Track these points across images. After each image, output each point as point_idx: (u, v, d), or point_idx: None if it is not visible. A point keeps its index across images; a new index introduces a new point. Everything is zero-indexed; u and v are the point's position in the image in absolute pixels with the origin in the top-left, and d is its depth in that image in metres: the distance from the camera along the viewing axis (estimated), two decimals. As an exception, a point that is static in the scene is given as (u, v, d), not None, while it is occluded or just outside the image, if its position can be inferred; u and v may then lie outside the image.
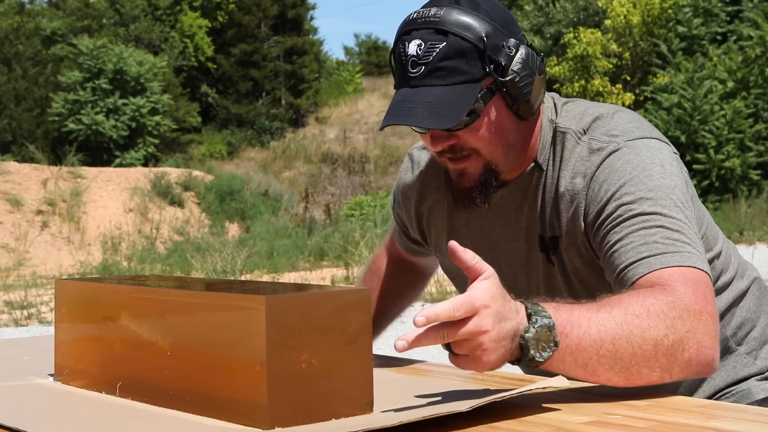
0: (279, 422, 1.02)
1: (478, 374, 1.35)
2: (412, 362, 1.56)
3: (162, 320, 1.17)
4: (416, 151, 1.74)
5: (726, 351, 1.60)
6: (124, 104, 27.26)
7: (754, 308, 1.64)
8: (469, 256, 1.15)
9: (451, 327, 1.10)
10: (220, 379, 1.08)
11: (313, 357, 1.05)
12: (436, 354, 6.90)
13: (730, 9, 24.19)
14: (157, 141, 28.07)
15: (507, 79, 1.43)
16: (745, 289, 1.63)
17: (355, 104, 35.48)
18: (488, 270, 1.15)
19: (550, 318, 1.17)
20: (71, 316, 1.34)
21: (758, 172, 21.03)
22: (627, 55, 24.23)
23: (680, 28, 23.15)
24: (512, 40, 1.43)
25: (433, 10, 1.42)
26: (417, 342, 1.08)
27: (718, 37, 23.88)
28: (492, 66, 1.41)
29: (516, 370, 1.40)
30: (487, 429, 1.07)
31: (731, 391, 1.60)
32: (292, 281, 11.14)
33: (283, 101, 33.96)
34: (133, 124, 27.32)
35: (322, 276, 12.10)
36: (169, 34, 32.33)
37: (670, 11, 23.60)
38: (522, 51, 1.44)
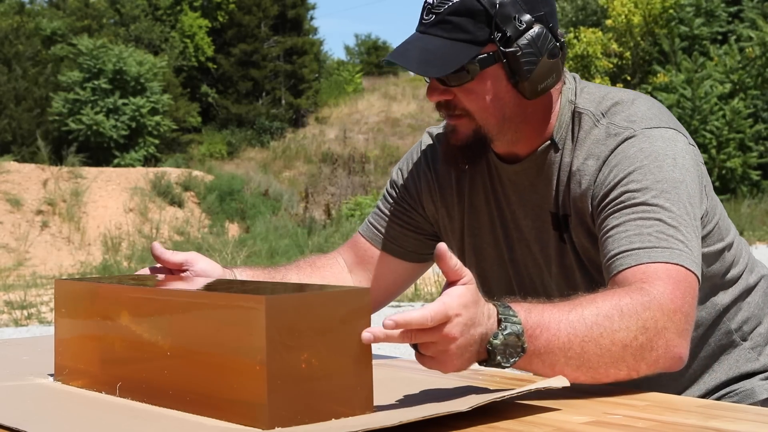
0: (279, 422, 1.02)
1: (478, 374, 1.35)
2: (412, 362, 1.56)
3: (162, 320, 1.17)
4: (435, 129, 1.74)
5: (730, 345, 1.61)
6: (124, 104, 27.25)
7: (762, 305, 1.65)
8: (452, 262, 1.15)
9: (420, 331, 1.11)
10: (220, 379, 1.08)
11: (313, 357, 1.05)
12: (436, 354, 6.82)
13: (731, 9, 24.19)
14: (157, 141, 28.07)
15: (509, 50, 1.44)
16: (754, 285, 1.64)
17: (355, 104, 35.48)
18: (467, 276, 1.15)
19: (520, 324, 1.19)
20: (71, 316, 1.34)
21: (758, 172, 21.03)
22: (628, 54, 24.24)
23: (682, 28, 23.15)
24: (528, 16, 1.44)
25: None
26: (384, 339, 1.09)
27: (719, 38, 23.88)
28: (499, 34, 1.43)
29: (516, 370, 1.40)
30: (487, 429, 1.07)
31: (735, 390, 1.60)
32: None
33: (283, 101, 33.96)
34: (133, 124, 27.31)
35: (322, 276, 12.08)
36: (169, 34, 32.33)
37: (671, 11, 23.60)
38: (535, 29, 1.45)
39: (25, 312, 9.32)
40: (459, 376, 1.35)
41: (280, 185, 23.76)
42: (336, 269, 1.76)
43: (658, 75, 22.86)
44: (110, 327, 1.26)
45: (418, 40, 1.45)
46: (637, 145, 1.44)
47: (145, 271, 1.51)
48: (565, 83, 1.55)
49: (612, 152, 1.45)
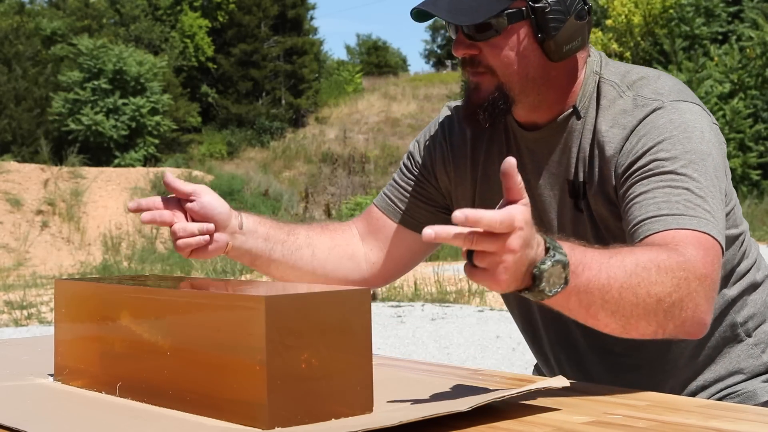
0: (279, 422, 1.02)
1: (478, 374, 1.35)
2: (412, 362, 1.56)
3: (162, 320, 1.17)
4: (454, 102, 1.74)
5: (734, 338, 1.61)
6: (124, 104, 27.26)
7: (767, 303, 1.65)
8: (518, 179, 1.15)
9: (482, 235, 1.10)
10: (220, 379, 1.08)
11: (313, 357, 1.05)
12: (436, 354, 6.90)
13: (731, 9, 24.20)
14: (157, 141, 28.07)
15: (538, 6, 1.45)
16: (760, 282, 1.64)
17: (355, 104, 35.49)
18: (526, 198, 1.16)
19: (566, 256, 1.19)
20: (71, 316, 1.34)
21: (758, 172, 21.03)
22: (628, 54, 24.23)
23: (682, 27, 23.16)
24: None
25: None
26: (445, 238, 1.07)
27: (719, 37, 23.88)
28: None
29: (516, 371, 1.40)
30: (487, 429, 1.07)
31: (737, 391, 1.60)
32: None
33: (283, 101, 33.96)
34: (133, 124, 27.32)
35: (322, 276, 12.08)
36: (169, 34, 32.33)
37: (671, 11, 23.60)
38: None
39: (25, 312, 9.32)
40: (459, 377, 1.35)
41: (280, 185, 23.76)
42: (347, 235, 1.75)
43: (658, 75, 22.82)
44: (110, 327, 1.26)
45: None
46: (666, 116, 1.44)
47: (157, 199, 1.52)
48: (590, 56, 1.56)
49: (640, 122, 1.45)
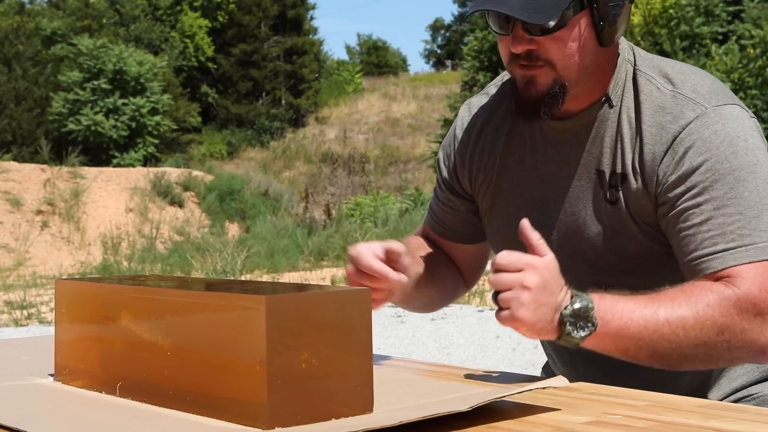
0: (279, 422, 1.02)
1: (477, 374, 1.35)
2: (412, 362, 1.56)
3: (162, 320, 1.17)
4: (474, 99, 1.71)
5: None
6: (124, 104, 27.26)
7: None
8: (535, 236, 1.29)
9: (498, 273, 1.27)
10: (220, 379, 1.08)
11: (313, 357, 1.05)
12: (436, 354, 6.88)
13: (731, 9, 24.20)
14: (157, 141, 28.08)
15: None
16: None
17: (355, 104, 35.49)
18: (550, 254, 1.29)
19: (590, 301, 1.28)
20: (71, 316, 1.34)
21: (758, 172, 20.99)
22: (627, 54, 24.21)
23: (682, 27, 23.15)
24: None
25: None
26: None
27: (719, 37, 23.88)
28: None
29: (516, 371, 1.40)
30: (487, 429, 1.07)
31: (753, 394, 1.58)
32: (292, 281, 11.14)
33: (283, 101, 33.96)
34: (133, 124, 27.33)
35: (322, 276, 12.10)
36: (169, 34, 32.34)
37: (671, 11, 23.60)
38: None
39: (25, 312, 9.32)
40: (459, 377, 1.35)
41: (280, 185, 23.76)
42: (446, 273, 1.75)
43: (658, 75, 22.82)
44: (110, 327, 1.25)
45: None
46: (711, 127, 1.41)
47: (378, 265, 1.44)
48: (620, 42, 1.53)
49: (683, 129, 1.42)
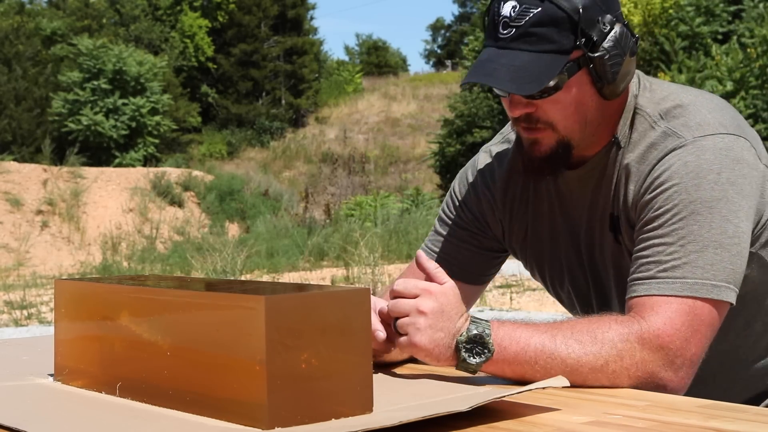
0: (279, 422, 1.02)
1: (477, 374, 1.35)
2: (412, 362, 1.56)
3: (162, 320, 1.17)
4: (494, 146, 1.70)
5: None
6: (124, 104, 27.26)
7: None
8: (431, 265, 1.34)
9: (395, 300, 1.31)
10: (220, 379, 1.08)
11: (312, 357, 1.05)
12: (436, 354, 6.79)
13: (731, 9, 24.20)
14: (157, 141, 28.08)
15: (596, 55, 1.39)
16: None
17: (355, 104, 35.50)
18: (450, 282, 1.33)
19: (487, 327, 1.30)
20: (71, 316, 1.34)
21: (758, 171, 21.00)
22: (627, 54, 24.21)
23: (682, 27, 23.16)
24: (609, 16, 1.40)
25: None
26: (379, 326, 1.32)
27: (719, 37, 23.88)
28: (583, 39, 1.38)
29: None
30: (487, 429, 1.07)
31: None
32: (292, 281, 11.14)
33: (283, 101, 33.97)
34: (133, 124, 27.33)
35: (322, 276, 12.10)
36: (169, 34, 32.34)
37: (671, 11, 23.60)
38: (617, 29, 1.41)
39: (25, 312, 9.32)
40: (459, 377, 1.35)
41: (280, 185, 23.77)
42: None
43: (659, 75, 22.85)
44: (110, 327, 1.25)
45: (503, 57, 1.39)
46: (683, 158, 1.39)
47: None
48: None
49: (659, 161, 1.42)
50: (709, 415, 1.12)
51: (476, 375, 1.32)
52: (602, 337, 1.29)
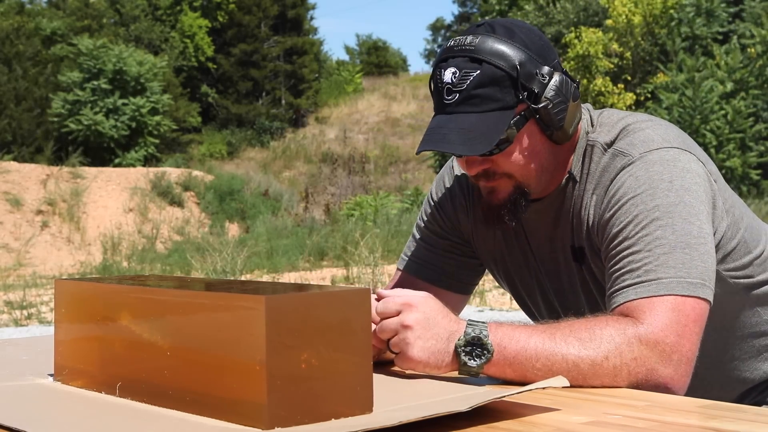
0: (279, 422, 1.02)
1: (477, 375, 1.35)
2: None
3: (162, 320, 1.17)
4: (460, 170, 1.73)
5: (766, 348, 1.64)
6: (124, 104, 27.25)
7: None
8: (395, 291, 1.36)
9: (381, 322, 1.32)
10: (220, 379, 1.08)
11: (312, 357, 1.05)
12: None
13: (732, 9, 24.20)
14: (157, 141, 28.07)
15: (540, 106, 1.46)
16: None
17: (355, 104, 35.49)
18: (423, 292, 1.35)
19: (485, 329, 1.30)
20: (71, 316, 1.34)
21: (758, 171, 21.04)
22: (628, 54, 24.23)
23: (683, 28, 23.16)
24: (546, 68, 1.46)
25: (469, 39, 1.45)
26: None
27: (719, 37, 23.88)
28: (525, 93, 1.44)
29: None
30: (487, 429, 1.07)
31: None
32: (292, 281, 11.14)
33: (283, 101, 33.97)
34: (133, 124, 27.31)
35: (322, 276, 12.10)
36: (169, 34, 32.34)
37: (671, 11, 23.60)
38: (556, 78, 1.47)
39: (25, 312, 9.32)
40: (459, 377, 1.35)
41: (280, 185, 23.77)
42: None
43: (659, 75, 22.85)
44: (110, 327, 1.25)
45: (451, 122, 1.44)
46: (634, 173, 1.45)
47: None
48: (582, 116, 1.57)
49: (611, 182, 1.48)
50: (709, 415, 1.12)
51: (479, 377, 1.32)
52: (600, 333, 1.31)
